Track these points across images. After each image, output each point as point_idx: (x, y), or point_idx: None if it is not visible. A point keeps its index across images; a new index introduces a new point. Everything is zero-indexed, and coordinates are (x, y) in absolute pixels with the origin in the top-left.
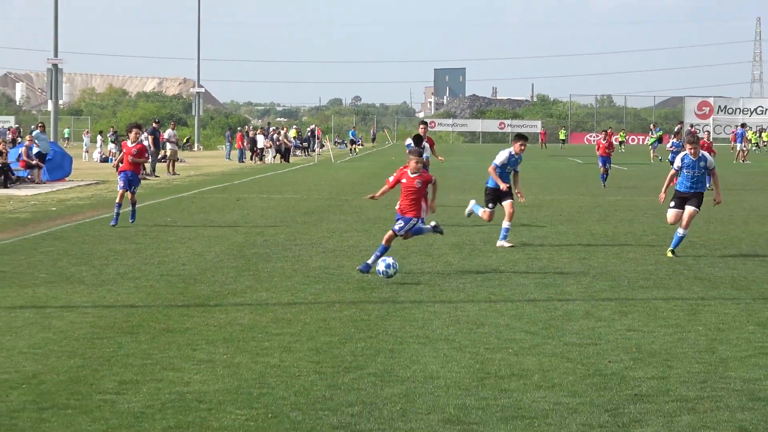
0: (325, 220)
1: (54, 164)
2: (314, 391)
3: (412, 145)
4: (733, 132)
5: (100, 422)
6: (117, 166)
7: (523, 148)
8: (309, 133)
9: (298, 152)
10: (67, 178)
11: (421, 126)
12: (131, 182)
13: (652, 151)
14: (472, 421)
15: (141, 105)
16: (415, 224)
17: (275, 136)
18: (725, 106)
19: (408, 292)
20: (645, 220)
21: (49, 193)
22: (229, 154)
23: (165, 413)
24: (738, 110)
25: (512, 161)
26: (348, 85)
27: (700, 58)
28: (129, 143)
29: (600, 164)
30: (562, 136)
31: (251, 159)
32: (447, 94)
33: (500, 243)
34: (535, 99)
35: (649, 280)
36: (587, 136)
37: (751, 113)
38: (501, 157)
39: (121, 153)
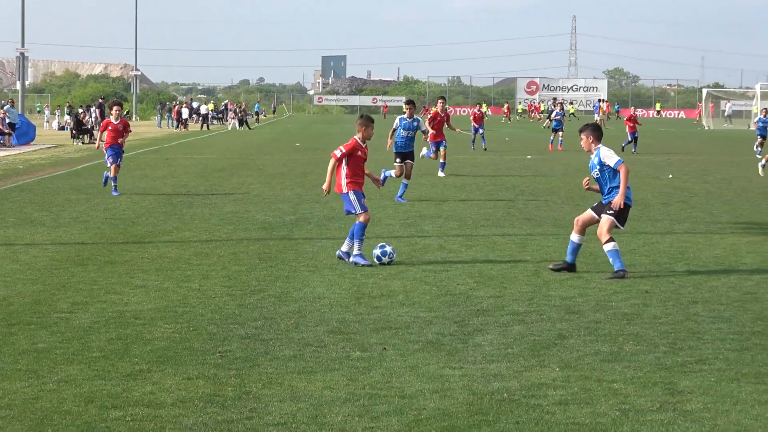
0: (236, 175)
1: (21, 132)
2: (226, 309)
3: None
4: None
5: (57, 335)
6: (101, 145)
7: (408, 111)
8: (223, 107)
9: (215, 122)
10: (31, 143)
11: (440, 100)
12: (119, 155)
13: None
14: (351, 331)
15: (90, 85)
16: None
17: (236, 108)
18: (548, 85)
19: (301, 231)
20: (486, 172)
21: (17, 155)
22: (160, 124)
23: (108, 327)
24: (558, 88)
25: (404, 124)
26: (254, 69)
27: (530, 47)
28: (113, 120)
29: (472, 132)
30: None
31: (176, 128)
32: (332, 76)
33: (398, 199)
34: (401, 79)
35: (488, 221)
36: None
37: (568, 90)
38: (394, 123)
39: (105, 131)
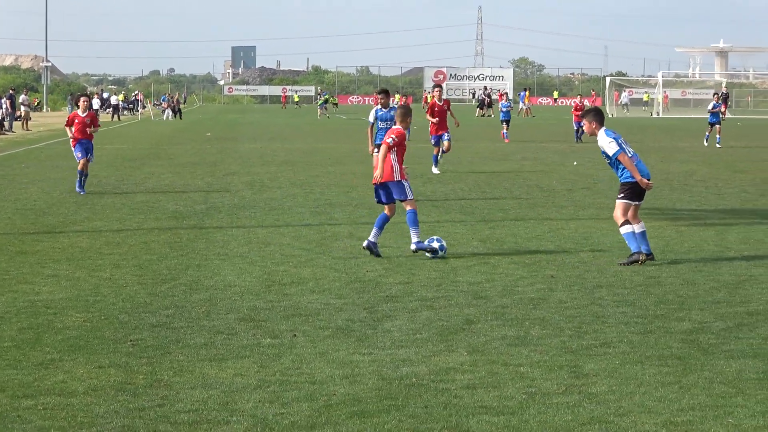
0: (146, 165)
1: None
2: (138, 298)
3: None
4: (500, 94)
5: None
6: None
7: (383, 101)
8: (134, 97)
9: (125, 112)
10: None
11: (437, 89)
12: (87, 150)
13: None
14: (261, 318)
15: (1, 76)
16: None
17: (170, 99)
18: (455, 74)
19: (211, 219)
20: None
21: None
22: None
23: (20, 317)
24: (465, 77)
25: (380, 115)
26: (165, 59)
27: (437, 36)
28: (80, 113)
29: None
30: (334, 100)
31: None
32: (242, 66)
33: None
34: (310, 69)
35: (397, 208)
36: (350, 98)
37: (475, 79)
38: (370, 115)
39: (72, 126)
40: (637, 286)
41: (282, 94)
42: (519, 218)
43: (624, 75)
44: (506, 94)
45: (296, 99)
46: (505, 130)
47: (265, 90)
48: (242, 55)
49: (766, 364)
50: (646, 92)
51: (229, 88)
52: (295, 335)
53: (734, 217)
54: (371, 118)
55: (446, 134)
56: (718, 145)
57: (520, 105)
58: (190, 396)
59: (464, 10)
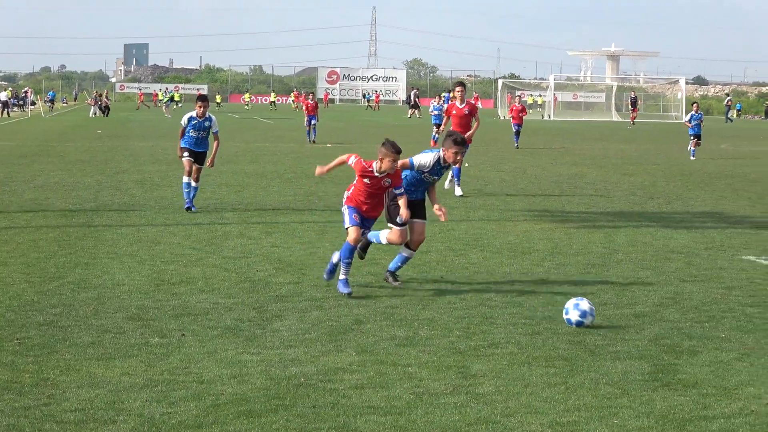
0: (36, 162)
1: None
2: (25, 296)
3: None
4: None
5: None
6: None
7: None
8: (24, 94)
9: (15, 108)
10: None
11: (459, 87)
12: None
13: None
14: (150, 317)
15: None
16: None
17: (97, 97)
18: (349, 74)
19: (101, 218)
20: (287, 161)
21: None
22: None
23: None
24: (358, 78)
25: (194, 124)
26: (56, 56)
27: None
28: None
29: (308, 121)
30: (218, 99)
31: None
32: (134, 64)
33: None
34: (203, 68)
35: (289, 207)
36: (242, 97)
37: (368, 80)
38: (183, 119)
39: None
40: (525, 287)
41: (139, 93)
42: None
43: (516, 77)
44: (440, 95)
45: (176, 98)
46: (435, 134)
47: (157, 88)
48: (134, 53)
49: (651, 365)
50: (530, 95)
51: (120, 86)
52: (183, 334)
53: (622, 219)
54: (183, 123)
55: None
56: (692, 158)
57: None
58: (76, 395)
59: (359, 11)
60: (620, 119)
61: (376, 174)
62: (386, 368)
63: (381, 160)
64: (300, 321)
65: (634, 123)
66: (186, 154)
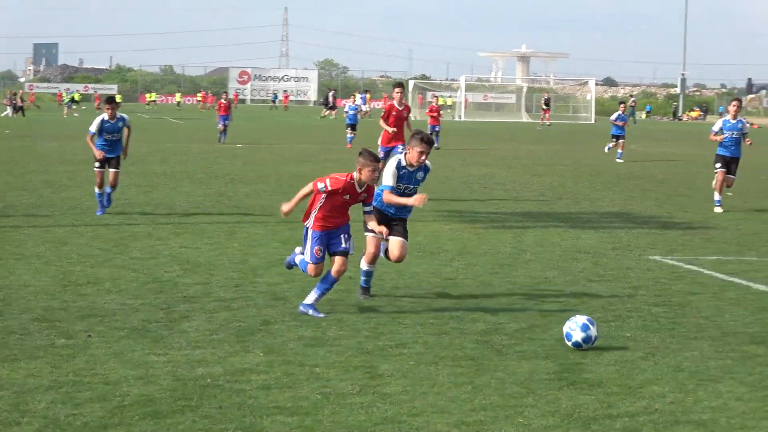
0: None
1: None
2: None
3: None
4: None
5: None
6: None
7: (108, 110)
8: None
9: None
10: None
11: (397, 89)
12: None
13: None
14: (56, 319)
15: None
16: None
17: (12, 96)
18: (260, 75)
19: (7, 218)
20: (197, 162)
21: None
22: None
23: None
24: (270, 78)
25: (106, 127)
26: None
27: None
28: None
29: (221, 122)
30: (119, 98)
31: None
32: (44, 64)
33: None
34: (113, 68)
35: (198, 208)
36: (146, 96)
37: (280, 80)
38: (93, 125)
39: None
40: (434, 287)
41: (95, 94)
42: None
43: (428, 78)
44: (354, 96)
45: (77, 98)
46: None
47: (63, 88)
48: (44, 53)
49: (557, 364)
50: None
51: (30, 86)
52: (89, 336)
53: (531, 220)
54: (93, 129)
55: (401, 146)
56: (619, 160)
57: (362, 107)
58: None
59: (270, 11)
60: (530, 120)
61: (358, 189)
62: (293, 368)
63: (360, 171)
64: (208, 322)
65: (550, 124)
66: (97, 164)
